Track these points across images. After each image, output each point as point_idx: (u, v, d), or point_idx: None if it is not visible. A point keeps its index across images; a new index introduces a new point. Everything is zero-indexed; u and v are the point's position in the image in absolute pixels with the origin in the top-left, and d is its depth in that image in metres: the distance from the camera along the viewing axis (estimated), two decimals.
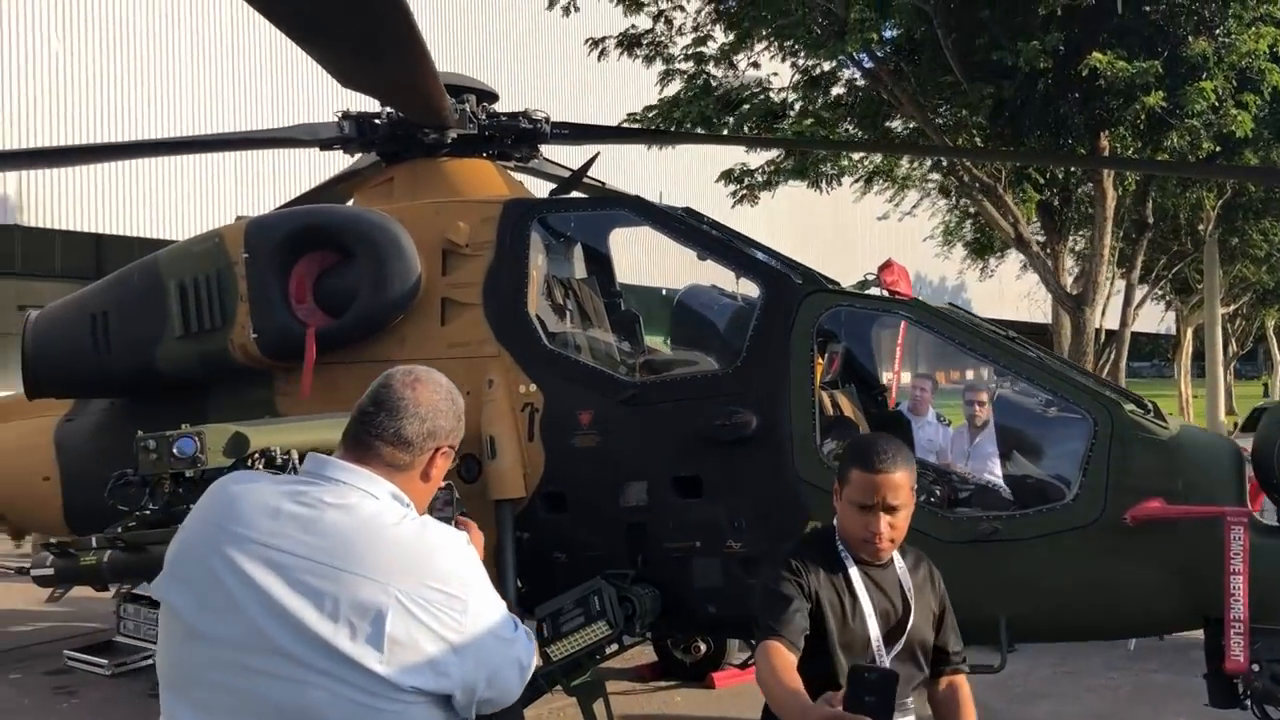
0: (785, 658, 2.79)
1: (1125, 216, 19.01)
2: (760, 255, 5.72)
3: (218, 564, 2.09)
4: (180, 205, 19.62)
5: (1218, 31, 13.14)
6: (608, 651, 5.59)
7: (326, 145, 6.98)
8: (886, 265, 6.34)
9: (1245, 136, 13.15)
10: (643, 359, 5.97)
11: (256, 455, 5.18)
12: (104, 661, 7.62)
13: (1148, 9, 13.42)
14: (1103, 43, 13.01)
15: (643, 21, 15.98)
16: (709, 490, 5.47)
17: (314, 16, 5.12)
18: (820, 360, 5.63)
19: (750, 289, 5.94)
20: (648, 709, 6.96)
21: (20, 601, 10.06)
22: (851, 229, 31.53)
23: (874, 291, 6.09)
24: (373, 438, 2.22)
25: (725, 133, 15.41)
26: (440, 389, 2.31)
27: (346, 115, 6.79)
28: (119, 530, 5.31)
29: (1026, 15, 12.88)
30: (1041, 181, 16.58)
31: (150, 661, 7.71)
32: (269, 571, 2.06)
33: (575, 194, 7.08)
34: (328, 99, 8.39)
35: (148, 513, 5.45)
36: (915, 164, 18.87)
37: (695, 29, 15.86)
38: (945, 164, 16.61)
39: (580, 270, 6.61)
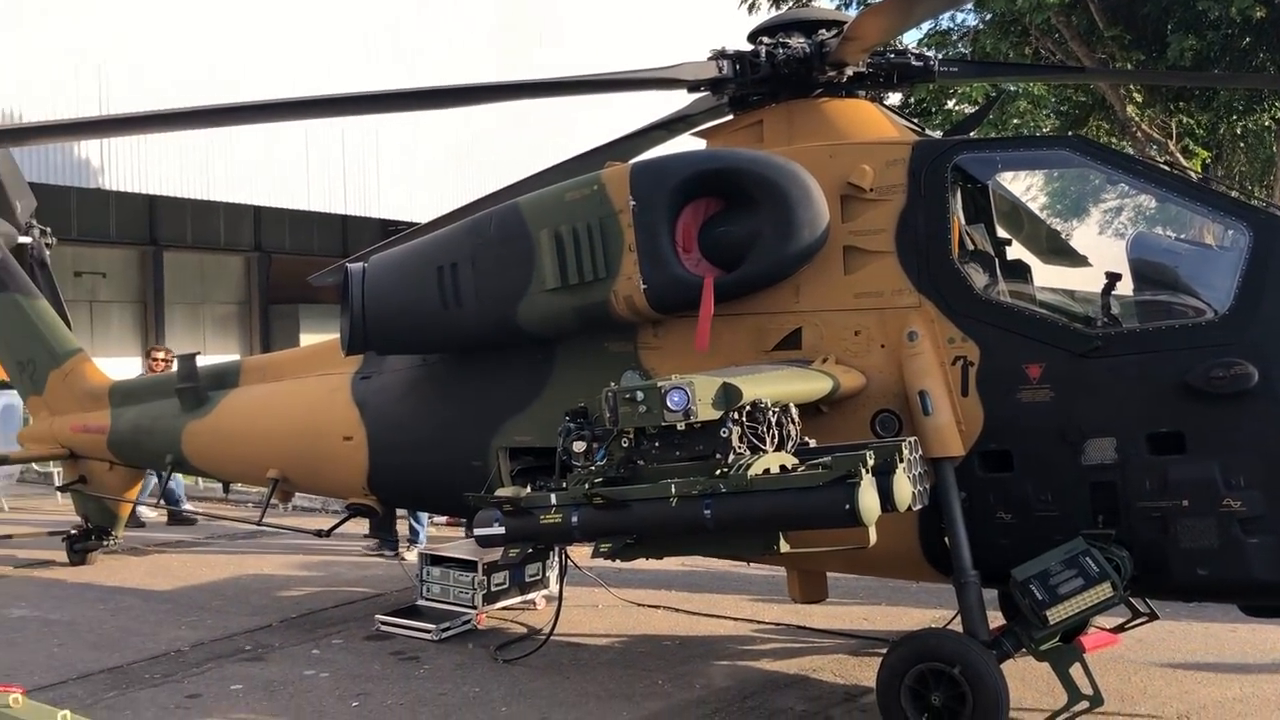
0: None
1: None
2: (1238, 195, 5.38)
3: None
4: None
5: None
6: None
7: (694, 87, 6.62)
8: None
9: None
10: (1096, 309, 5.63)
11: (745, 408, 4.88)
12: (430, 627, 7.36)
13: None
14: None
15: None
16: (1195, 446, 5.15)
17: None
18: None
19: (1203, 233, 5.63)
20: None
21: (271, 568, 9.86)
22: None
23: None
24: None
25: None
26: None
27: (724, 55, 6.42)
28: (586, 487, 4.99)
29: None
30: (1207, 138, 16.26)
31: (469, 625, 7.49)
32: None
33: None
34: None
35: (595, 467, 5.15)
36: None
37: None
38: (1121, 122, 16.21)
39: (1009, 214, 6.27)
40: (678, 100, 7.07)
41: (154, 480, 10.68)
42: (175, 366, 9.30)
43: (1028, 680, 6.18)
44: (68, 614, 8.19)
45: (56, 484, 10.98)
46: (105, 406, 9.60)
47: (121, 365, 20.26)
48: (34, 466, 14.10)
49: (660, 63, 6.48)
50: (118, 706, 6.10)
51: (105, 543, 10.08)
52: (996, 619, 6.33)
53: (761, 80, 6.41)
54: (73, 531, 10.05)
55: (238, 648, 7.27)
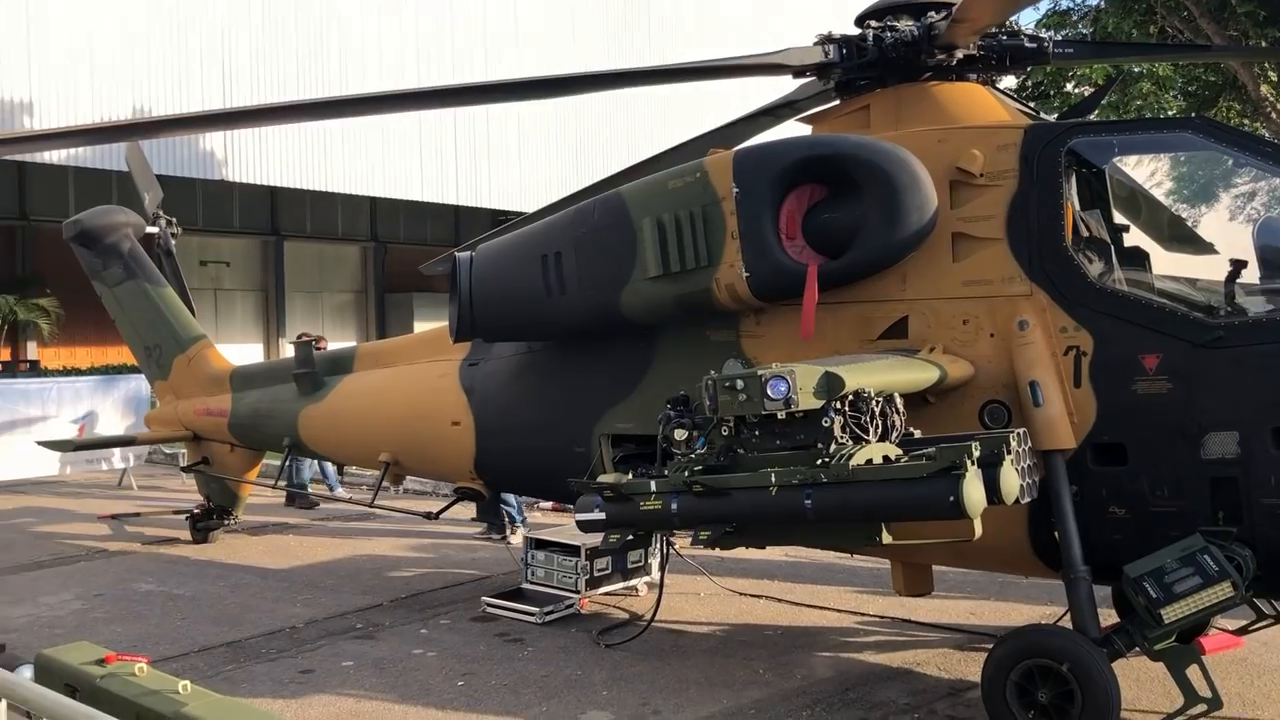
0: None
1: None
2: None
3: None
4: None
5: None
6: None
7: (800, 73, 6.55)
8: None
9: None
10: (1219, 298, 5.40)
11: (847, 397, 4.82)
12: (534, 610, 7.47)
13: None
14: None
15: None
16: None
17: None
18: None
19: None
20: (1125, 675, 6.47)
21: (383, 549, 10.13)
22: None
23: None
24: None
25: None
26: None
27: (830, 39, 6.33)
28: (685, 474, 5.00)
29: None
30: None
31: (572, 609, 7.56)
32: None
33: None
34: None
35: (695, 455, 5.15)
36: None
37: None
38: (1254, 102, 15.53)
39: (1127, 200, 6.06)
40: (783, 86, 7.01)
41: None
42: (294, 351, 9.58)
43: (1143, 681, 5.98)
44: (190, 589, 8.55)
45: (181, 465, 11.43)
46: (227, 391, 9.97)
47: (244, 351, 21.12)
48: (161, 448, 14.70)
49: (765, 49, 6.44)
50: (236, 679, 6.34)
51: (226, 522, 10.48)
52: (1111, 617, 6.16)
53: (869, 64, 6.31)
54: (196, 511, 10.47)
55: (349, 626, 7.49)
